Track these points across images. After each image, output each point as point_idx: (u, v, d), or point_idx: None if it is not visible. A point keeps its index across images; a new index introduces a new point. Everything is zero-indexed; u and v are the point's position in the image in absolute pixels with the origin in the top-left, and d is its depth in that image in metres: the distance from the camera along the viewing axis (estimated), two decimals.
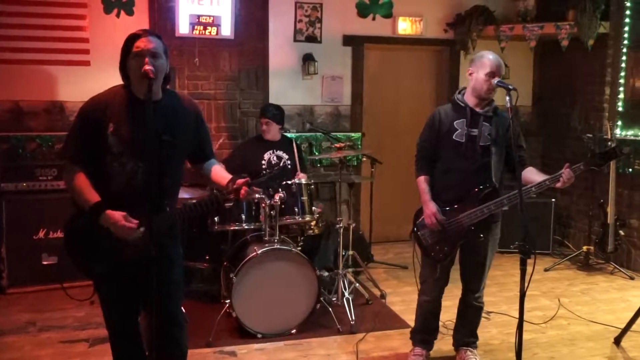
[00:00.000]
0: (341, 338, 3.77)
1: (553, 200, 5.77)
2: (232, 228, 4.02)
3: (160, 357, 2.39)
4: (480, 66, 3.07)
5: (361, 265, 4.80)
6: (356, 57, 5.82)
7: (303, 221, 4.13)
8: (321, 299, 3.87)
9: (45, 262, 4.55)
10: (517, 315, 2.59)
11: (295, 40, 5.61)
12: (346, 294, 4.12)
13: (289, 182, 3.98)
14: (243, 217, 3.94)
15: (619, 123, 5.36)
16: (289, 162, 4.52)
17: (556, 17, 5.53)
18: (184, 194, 4.00)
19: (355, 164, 5.90)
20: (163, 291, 2.36)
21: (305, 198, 4.06)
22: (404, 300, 4.44)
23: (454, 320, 3.50)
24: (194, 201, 2.42)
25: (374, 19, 5.81)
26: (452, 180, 3.13)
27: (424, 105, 5.95)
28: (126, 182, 2.34)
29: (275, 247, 3.72)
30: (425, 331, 3.39)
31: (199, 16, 5.12)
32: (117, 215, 2.28)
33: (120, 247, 2.33)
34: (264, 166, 4.46)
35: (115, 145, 2.33)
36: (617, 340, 3.72)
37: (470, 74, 3.13)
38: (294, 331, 3.79)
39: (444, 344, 3.51)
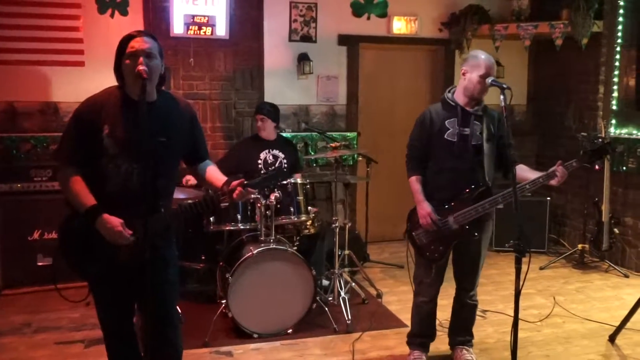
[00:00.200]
0: (337, 338, 3.77)
1: (548, 198, 5.79)
2: (227, 228, 4.03)
3: (154, 358, 2.38)
4: (474, 66, 3.07)
5: (357, 265, 4.80)
6: (351, 56, 5.82)
7: (299, 221, 4.13)
8: (317, 298, 3.87)
9: (40, 263, 4.54)
10: (512, 313, 2.59)
11: (290, 40, 5.61)
12: (342, 294, 4.13)
13: (285, 182, 3.97)
14: (239, 217, 3.95)
15: (613, 122, 5.38)
16: (285, 161, 4.51)
17: (550, 16, 5.55)
18: (179, 194, 3.99)
19: (351, 163, 5.90)
20: (157, 292, 2.36)
21: (301, 198, 4.06)
22: (400, 300, 4.44)
23: (450, 319, 3.51)
24: (189, 202, 2.42)
25: (368, 18, 5.82)
26: (445, 180, 3.13)
27: (420, 104, 5.95)
28: (121, 183, 2.34)
29: (271, 247, 3.72)
30: (424, 334, 3.38)
31: (193, 16, 5.11)
32: (115, 221, 2.28)
33: (114, 248, 2.32)
34: (260, 166, 4.45)
35: (111, 147, 2.32)
36: (612, 338, 3.73)
37: (464, 74, 3.13)
38: (290, 331, 3.79)
39: (440, 342, 3.52)
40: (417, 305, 3.35)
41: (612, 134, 5.26)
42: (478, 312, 4.13)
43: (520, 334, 3.70)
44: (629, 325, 3.72)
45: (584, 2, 5.24)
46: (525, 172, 3.09)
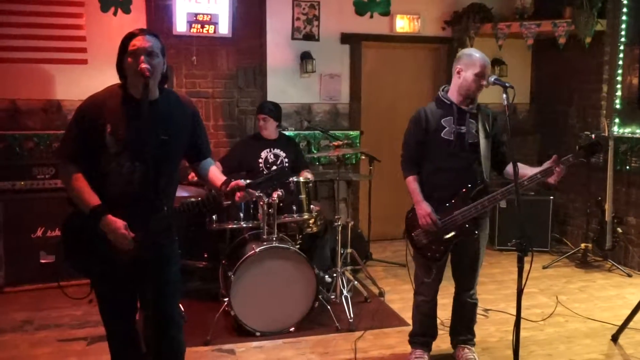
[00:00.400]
0: (339, 336, 3.77)
1: (551, 198, 5.77)
2: (230, 226, 4.02)
3: (157, 356, 2.39)
4: (469, 65, 3.07)
5: (359, 263, 4.80)
6: (354, 55, 5.82)
7: (301, 219, 4.13)
8: (320, 297, 3.87)
9: (43, 261, 4.55)
10: (515, 312, 2.59)
11: (293, 38, 5.61)
12: (345, 292, 4.13)
13: (288, 181, 3.97)
14: (241, 215, 3.94)
15: (617, 120, 5.36)
16: (286, 160, 4.51)
17: (553, 14, 5.53)
18: (182, 192, 3.99)
19: (354, 162, 5.90)
20: (160, 290, 2.36)
21: (303, 196, 4.06)
22: (402, 298, 4.44)
23: (450, 319, 3.49)
24: (192, 200, 2.42)
25: (371, 16, 5.82)
26: (443, 179, 3.11)
27: (422, 103, 5.82)
28: (123, 181, 2.34)
29: (273, 245, 3.72)
30: (425, 334, 3.38)
31: (196, 14, 5.12)
32: (119, 222, 2.28)
33: (115, 250, 2.32)
34: (260, 164, 4.45)
35: (113, 145, 2.32)
36: (615, 338, 3.72)
37: (458, 72, 3.12)
38: (292, 329, 3.79)
39: (442, 341, 3.51)
40: (418, 304, 3.34)
41: (615, 132, 5.24)
42: (480, 311, 4.15)
43: (523, 333, 3.72)
44: (631, 324, 3.71)
45: (587, 0, 5.23)
46: (522, 169, 3.08)
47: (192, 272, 4.60)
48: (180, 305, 3.72)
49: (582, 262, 5.38)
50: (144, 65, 2.25)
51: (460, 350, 3.36)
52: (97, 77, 4.68)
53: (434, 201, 3.12)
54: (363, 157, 5.69)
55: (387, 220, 5.97)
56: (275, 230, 3.81)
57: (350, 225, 4.65)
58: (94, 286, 2.49)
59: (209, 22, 5.16)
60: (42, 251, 4.55)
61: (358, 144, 5.79)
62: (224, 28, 5.21)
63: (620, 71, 5.36)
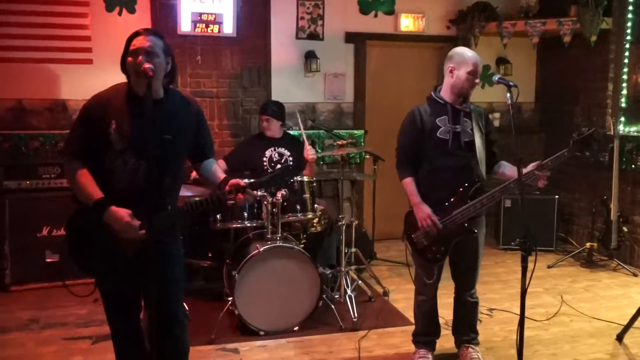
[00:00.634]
0: (343, 335, 3.77)
1: (556, 197, 5.75)
2: (234, 226, 4.03)
3: (161, 355, 2.40)
4: (461, 63, 3.07)
5: (364, 263, 4.80)
6: (358, 54, 5.82)
7: (305, 219, 4.13)
8: (323, 296, 3.87)
9: (48, 260, 4.57)
10: (519, 312, 2.58)
11: (297, 37, 5.61)
12: (349, 292, 4.12)
13: (292, 180, 3.97)
14: (245, 214, 3.95)
15: (622, 119, 5.34)
16: (291, 159, 4.51)
17: (558, 13, 5.51)
18: (186, 191, 4.00)
19: (358, 161, 5.90)
20: (163, 289, 2.37)
21: (307, 195, 4.07)
22: (406, 298, 4.43)
23: (452, 320, 3.48)
24: (196, 199, 2.43)
25: (376, 15, 5.81)
26: (440, 179, 3.10)
27: None
28: (128, 179, 2.35)
29: (277, 244, 3.73)
30: (428, 333, 3.37)
31: (200, 14, 5.13)
32: (123, 212, 2.29)
33: (120, 245, 2.34)
34: (265, 163, 4.46)
35: (118, 143, 2.34)
36: (620, 337, 3.71)
37: (451, 71, 3.11)
38: (296, 328, 3.80)
39: (446, 341, 3.51)
40: (419, 304, 3.34)
41: (621, 131, 5.22)
42: (485, 311, 4.15)
43: (528, 333, 3.72)
44: (637, 324, 3.69)
45: None
46: (513, 171, 3.10)
47: (196, 271, 4.61)
48: (185, 304, 3.73)
49: (588, 262, 5.36)
50: (147, 66, 2.26)
51: (464, 349, 3.35)
52: (102, 76, 4.66)
53: (431, 202, 3.10)
54: (367, 157, 5.69)
55: (392, 219, 5.95)
56: (280, 230, 3.82)
57: (354, 224, 4.65)
58: (99, 285, 2.50)
59: (214, 22, 5.17)
60: (48, 250, 4.57)
61: (362, 143, 5.78)
62: (228, 28, 5.22)
63: (625, 70, 5.33)
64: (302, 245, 4.01)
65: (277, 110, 4.55)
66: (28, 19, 4.88)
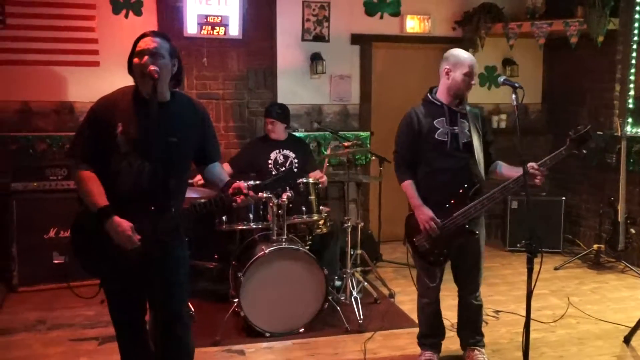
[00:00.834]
0: (349, 337, 3.77)
1: (563, 198, 5.73)
2: (239, 227, 4.04)
3: (165, 356, 2.40)
4: (457, 65, 3.07)
5: (369, 265, 4.79)
6: (364, 56, 5.82)
7: (311, 220, 4.13)
8: (329, 297, 3.87)
9: (55, 261, 4.59)
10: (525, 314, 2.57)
11: (303, 39, 5.62)
12: (354, 293, 4.12)
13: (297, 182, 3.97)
14: (251, 216, 3.96)
15: (629, 120, 5.31)
16: (296, 161, 4.52)
17: (565, 13, 5.48)
18: (191, 193, 4.01)
19: (364, 163, 5.89)
20: (167, 291, 2.38)
21: (312, 197, 4.07)
22: (412, 300, 4.38)
23: (457, 323, 3.47)
24: (201, 201, 2.43)
25: (381, 17, 5.81)
26: (439, 181, 3.09)
27: None
28: (133, 181, 2.36)
29: (282, 246, 3.73)
30: (433, 335, 3.37)
31: (206, 16, 5.15)
32: (126, 224, 2.30)
33: (123, 249, 2.34)
34: (270, 165, 4.46)
35: (123, 145, 2.35)
36: (627, 340, 3.68)
37: (447, 73, 3.10)
38: (301, 330, 3.79)
39: (452, 343, 3.50)
40: (422, 306, 3.34)
41: (628, 132, 5.19)
42: (491, 313, 4.14)
43: (534, 335, 3.70)
44: None
45: None
46: (510, 171, 3.10)
47: (202, 272, 4.62)
48: (190, 305, 3.76)
49: (595, 263, 5.33)
50: (152, 68, 2.27)
51: (470, 352, 3.34)
52: (109, 79, 4.72)
53: (431, 204, 3.09)
54: (373, 158, 5.68)
55: (397, 221, 5.89)
56: (285, 231, 3.82)
57: (360, 226, 4.64)
58: (103, 286, 2.51)
59: (220, 24, 5.19)
60: (55, 251, 4.59)
61: (368, 145, 5.78)
62: (234, 30, 5.24)
63: (633, 70, 5.31)
64: (308, 247, 4.01)
65: (282, 113, 4.56)
66: (35, 21, 4.91)
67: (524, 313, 2.85)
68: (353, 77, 5.81)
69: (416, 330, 3.53)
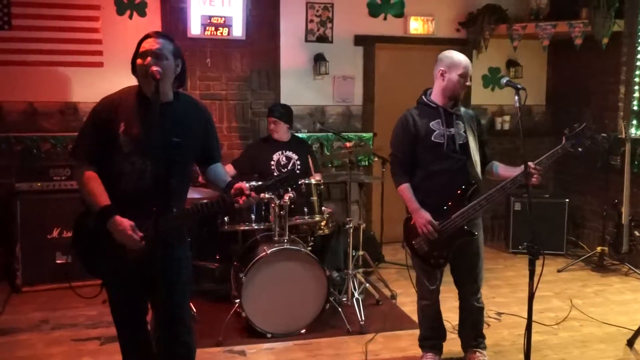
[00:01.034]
0: (350, 338, 3.76)
1: (567, 200, 5.71)
2: (241, 228, 4.04)
3: (167, 356, 2.41)
4: (452, 66, 3.07)
5: (371, 266, 4.79)
6: (367, 57, 5.82)
7: (313, 221, 4.13)
8: (331, 299, 3.87)
9: (59, 261, 4.60)
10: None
11: (306, 40, 5.62)
12: (356, 294, 4.12)
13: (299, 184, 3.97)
14: (253, 217, 3.96)
15: (634, 122, 5.29)
16: (298, 162, 4.52)
17: (569, 15, 5.47)
18: (194, 194, 4.02)
19: (367, 164, 5.89)
20: (170, 291, 2.38)
21: (314, 198, 4.07)
22: (414, 301, 4.35)
23: (458, 326, 3.46)
24: (203, 202, 2.44)
25: (385, 18, 5.81)
26: (437, 183, 3.08)
27: None
28: (135, 181, 2.36)
29: (284, 247, 3.73)
30: (434, 336, 3.36)
31: (210, 17, 5.16)
32: (126, 223, 2.31)
33: (125, 247, 2.34)
34: (272, 167, 4.47)
35: (126, 145, 2.36)
36: (630, 343, 3.67)
37: (442, 75, 3.10)
38: (303, 331, 3.80)
39: (453, 345, 3.49)
40: (422, 308, 3.33)
41: (632, 134, 5.17)
42: (493, 315, 4.13)
43: (537, 337, 3.69)
44: None
45: (604, 0, 5.16)
46: (507, 171, 3.09)
47: (204, 273, 4.62)
48: (192, 306, 3.76)
49: (598, 266, 5.31)
50: (155, 68, 2.28)
51: (472, 354, 3.33)
52: (113, 79, 4.72)
53: (429, 206, 3.08)
54: (376, 159, 5.68)
55: (400, 222, 5.88)
56: (287, 232, 3.82)
57: (362, 227, 4.64)
58: (105, 286, 2.52)
59: (223, 25, 5.20)
60: (59, 252, 4.60)
61: (371, 146, 5.78)
62: (237, 30, 5.24)
63: (637, 72, 5.29)
64: (310, 248, 4.01)
65: (285, 113, 4.56)
66: (40, 22, 4.93)
67: (526, 315, 2.85)
68: (356, 78, 5.81)
69: (418, 331, 3.52)
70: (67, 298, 4.32)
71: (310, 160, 4.42)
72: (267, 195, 3.61)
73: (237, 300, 3.67)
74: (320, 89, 5.71)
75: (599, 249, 5.35)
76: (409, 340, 3.71)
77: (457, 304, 3.40)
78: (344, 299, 4.23)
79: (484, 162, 3.21)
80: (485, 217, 6.09)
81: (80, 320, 4.03)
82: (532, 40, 5.79)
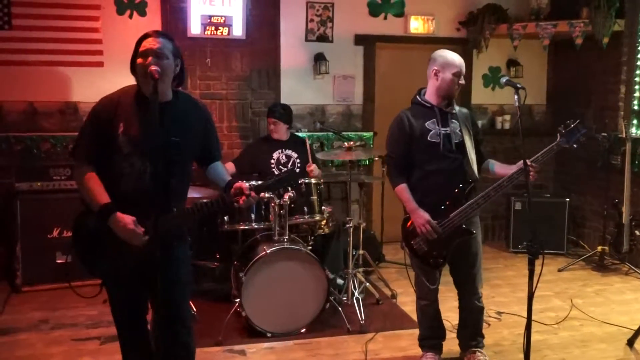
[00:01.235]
0: (350, 338, 3.76)
1: (567, 199, 5.71)
2: (241, 227, 4.04)
3: (166, 356, 2.41)
4: (445, 65, 3.07)
5: (372, 265, 4.79)
6: (368, 56, 5.81)
7: (313, 221, 4.13)
8: (331, 298, 3.87)
9: (59, 261, 4.60)
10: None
11: (306, 39, 5.62)
12: (356, 294, 4.11)
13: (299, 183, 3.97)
14: (253, 216, 3.95)
15: (634, 122, 5.28)
16: (298, 161, 4.52)
17: (570, 15, 5.46)
18: (194, 193, 4.02)
19: (367, 163, 5.89)
20: (169, 291, 2.37)
21: (314, 197, 4.06)
22: (414, 301, 4.35)
23: (457, 326, 3.45)
24: (203, 201, 2.43)
25: (385, 18, 5.81)
26: (434, 183, 3.08)
27: None
28: (134, 181, 2.36)
29: (284, 246, 3.73)
30: (434, 336, 3.36)
31: (210, 16, 5.15)
32: (127, 219, 2.30)
33: (126, 247, 2.34)
34: (272, 166, 4.47)
35: (125, 145, 2.36)
36: (631, 342, 3.66)
37: (435, 74, 3.09)
38: (303, 330, 3.79)
39: (453, 344, 3.49)
40: (422, 309, 3.33)
41: (633, 134, 5.17)
42: (493, 314, 4.12)
43: (537, 337, 3.69)
44: None
45: (605, 0, 5.16)
46: (503, 169, 3.10)
47: (204, 272, 4.63)
48: (192, 305, 3.76)
49: (599, 265, 5.30)
50: (153, 68, 2.27)
51: (471, 354, 3.32)
52: (113, 79, 4.71)
53: (427, 206, 3.08)
54: (376, 159, 5.68)
55: (400, 222, 5.93)
56: (287, 232, 3.82)
57: (362, 226, 4.64)
58: (105, 285, 2.52)
59: (223, 24, 5.19)
60: (59, 251, 4.60)
61: (372, 145, 5.77)
62: (238, 30, 5.24)
63: (638, 72, 5.28)
64: (310, 247, 4.01)
65: (284, 114, 4.57)
66: (40, 22, 4.92)
67: (526, 315, 2.84)
68: (356, 78, 5.81)
69: (418, 331, 3.52)
70: (67, 298, 4.32)
71: (308, 151, 4.42)
72: (267, 195, 3.62)
73: (237, 300, 3.67)
74: (320, 89, 5.71)
75: (599, 248, 5.35)
76: (409, 339, 3.71)
77: (457, 303, 3.39)
78: (344, 299, 4.23)
79: (480, 161, 3.21)
80: (485, 216, 6.13)
81: (80, 320, 4.03)
82: (532, 40, 5.79)
